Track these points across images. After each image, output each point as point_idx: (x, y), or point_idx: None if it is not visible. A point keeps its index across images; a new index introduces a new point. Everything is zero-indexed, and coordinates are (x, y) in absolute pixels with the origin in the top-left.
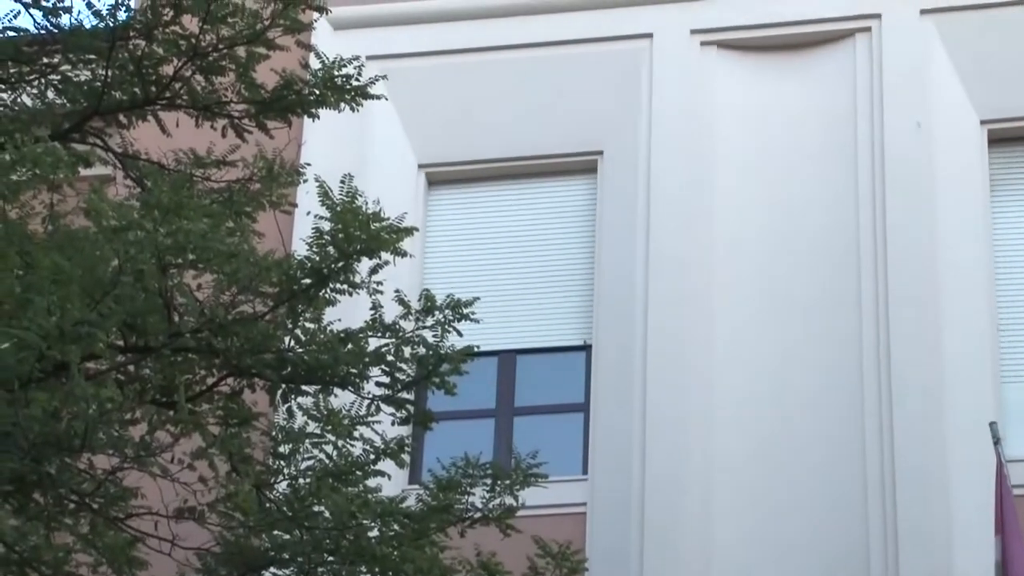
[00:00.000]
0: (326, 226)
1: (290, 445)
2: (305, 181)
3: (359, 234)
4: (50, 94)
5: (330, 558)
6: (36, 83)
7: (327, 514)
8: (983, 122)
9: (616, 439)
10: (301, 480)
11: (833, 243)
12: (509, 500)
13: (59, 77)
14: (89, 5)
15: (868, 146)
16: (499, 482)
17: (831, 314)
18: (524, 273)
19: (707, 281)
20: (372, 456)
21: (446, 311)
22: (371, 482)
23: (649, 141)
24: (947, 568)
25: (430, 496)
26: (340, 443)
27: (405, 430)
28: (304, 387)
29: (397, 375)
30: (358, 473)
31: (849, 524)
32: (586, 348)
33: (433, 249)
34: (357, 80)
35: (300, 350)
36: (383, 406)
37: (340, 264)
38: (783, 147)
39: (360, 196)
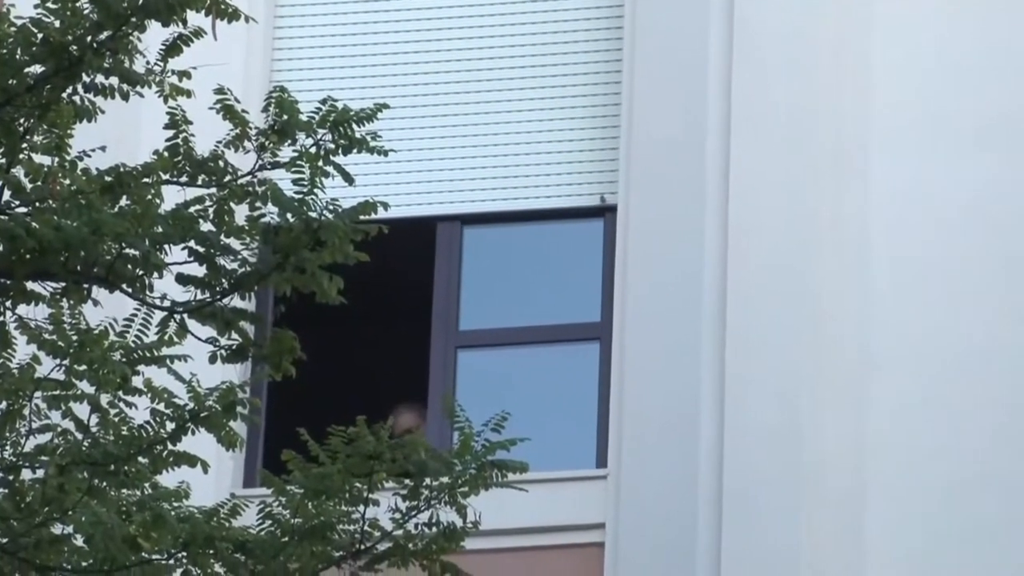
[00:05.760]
0: None
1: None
2: None
3: None
4: None
5: None
6: None
7: (79, 541)
8: None
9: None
10: (26, 474)
11: None
12: (450, 517)
13: None
14: None
15: None
16: (428, 482)
17: None
18: (483, 72)
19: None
20: (171, 425)
21: (323, 131)
22: (168, 477)
23: None
24: None
25: (290, 510)
26: (105, 398)
27: (238, 372)
28: (30, 284)
29: (221, 261)
30: (141, 461)
31: None
32: (604, 211)
33: (297, 16)
34: None
35: (23, 210)
36: (192, 323)
37: (105, 36)
38: None
39: None
